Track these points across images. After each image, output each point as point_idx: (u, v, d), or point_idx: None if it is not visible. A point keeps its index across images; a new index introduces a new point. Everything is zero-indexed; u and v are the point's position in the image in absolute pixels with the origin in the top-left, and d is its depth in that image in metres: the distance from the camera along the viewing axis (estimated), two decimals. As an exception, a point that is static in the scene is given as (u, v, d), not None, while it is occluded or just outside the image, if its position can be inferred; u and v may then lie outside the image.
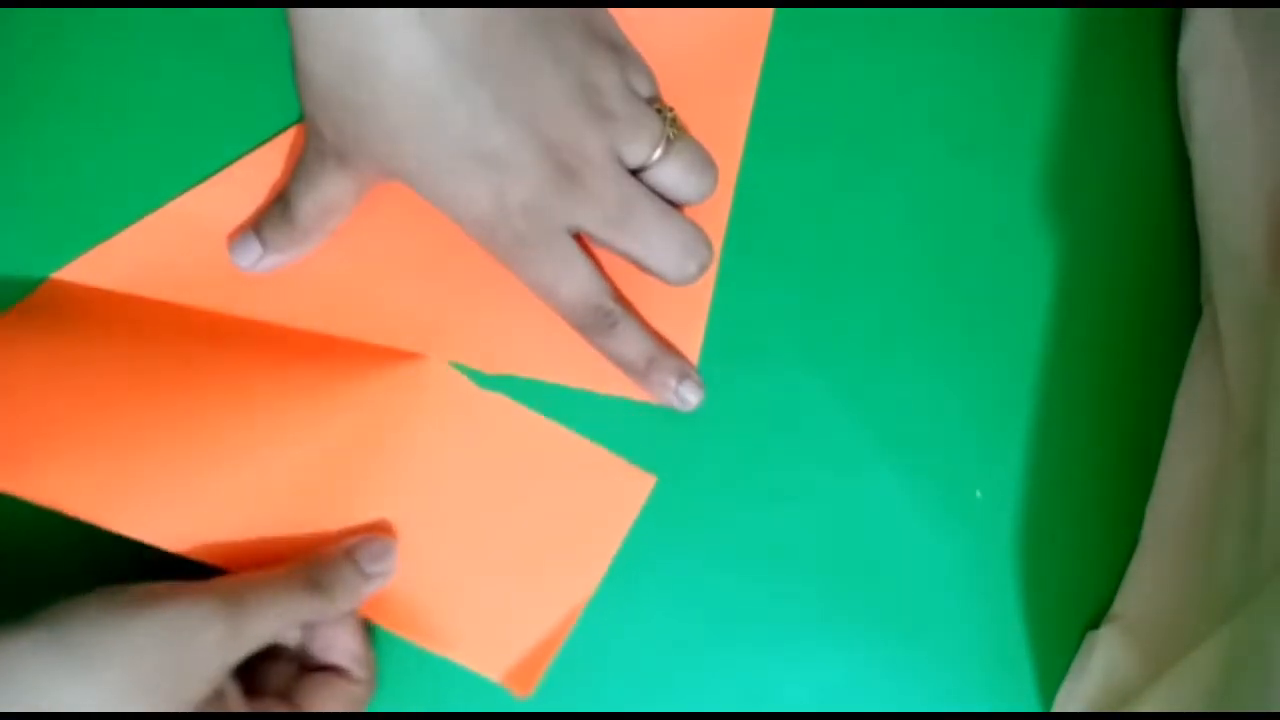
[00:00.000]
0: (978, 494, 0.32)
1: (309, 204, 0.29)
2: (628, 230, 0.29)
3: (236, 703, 0.25)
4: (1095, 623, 0.31)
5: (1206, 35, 0.32)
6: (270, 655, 0.27)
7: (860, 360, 0.32)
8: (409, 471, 0.30)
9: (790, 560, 0.31)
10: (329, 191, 0.29)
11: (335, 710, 0.27)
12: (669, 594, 0.31)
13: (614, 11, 0.30)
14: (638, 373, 0.30)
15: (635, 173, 0.29)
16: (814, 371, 0.32)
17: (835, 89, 0.32)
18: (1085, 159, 0.33)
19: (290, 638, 0.28)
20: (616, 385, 0.31)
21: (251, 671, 0.27)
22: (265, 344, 0.30)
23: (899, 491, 0.31)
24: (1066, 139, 0.33)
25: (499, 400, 0.31)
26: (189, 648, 0.24)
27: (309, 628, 0.28)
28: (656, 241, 0.29)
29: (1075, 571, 0.32)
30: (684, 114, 0.30)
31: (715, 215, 0.31)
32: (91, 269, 0.30)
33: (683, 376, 0.30)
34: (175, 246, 0.30)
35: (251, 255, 0.29)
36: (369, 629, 0.29)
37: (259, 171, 0.31)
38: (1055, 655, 0.31)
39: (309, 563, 0.27)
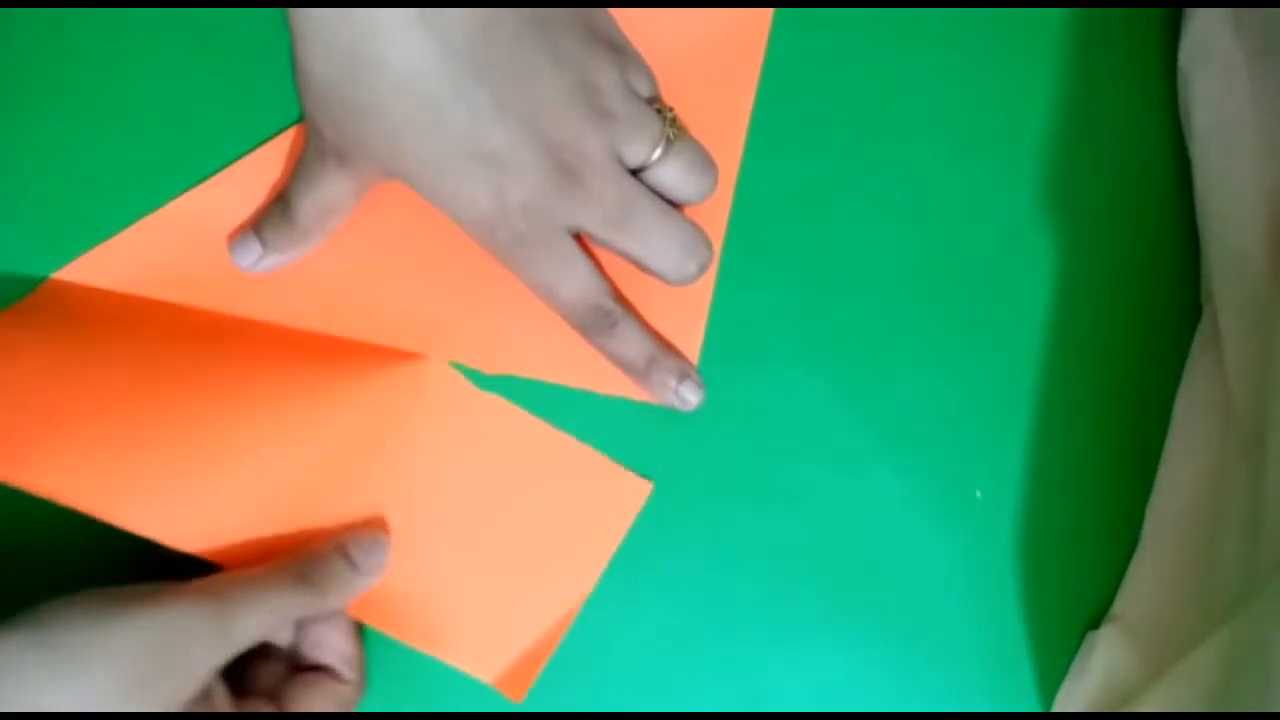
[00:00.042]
0: (978, 494, 0.32)
1: (309, 204, 0.29)
2: (628, 230, 0.29)
3: (224, 703, 0.25)
4: (1095, 623, 0.31)
5: (1206, 35, 0.32)
6: (260, 654, 0.27)
7: (860, 360, 0.32)
8: (407, 471, 0.30)
9: (790, 560, 0.31)
10: (329, 191, 0.29)
11: (323, 710, 0.27)
12: (669, 593, 0.31)
13: (614, 11, 0.30)
14: (638, 373, 0.30)
15: (635, 173, 0.29)
16: (814, 371, 0.32)
17: (835, 89, 0.32)
18: (1085, 159, 0.33)
19: (281, 637, 0.28)
20: (616, 385, 0.31)
21: (241, 670, 0.27)
22: (265, 344, 0.30)
23: (899, 491, 0.31)
24: (1066, 139, 0.33)
25: (497, 402, 0.31)
26: (177, 648, 0.24)
27: (301, 626, 0.28)
28: (656, 241, 0.29)
29: (1075, 571, 0.32)
30: (684, 114, 0.30)
31: (715, 215, 0.31)
32: (91, 269, 0.30)
33: (683, 376, 0.30)
34: (175, 246, 0.30)
35: (251, 255, 0.29)
36: (360, 630, 0.29)
37: (259, 171, 0.31)
38: (1055, 655, 0.31)
39: (298, 559, 0.27)
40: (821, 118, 0.32)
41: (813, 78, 0.32)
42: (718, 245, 0.31)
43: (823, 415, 0.31)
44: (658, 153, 0.29)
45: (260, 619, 0.25)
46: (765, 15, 0.32)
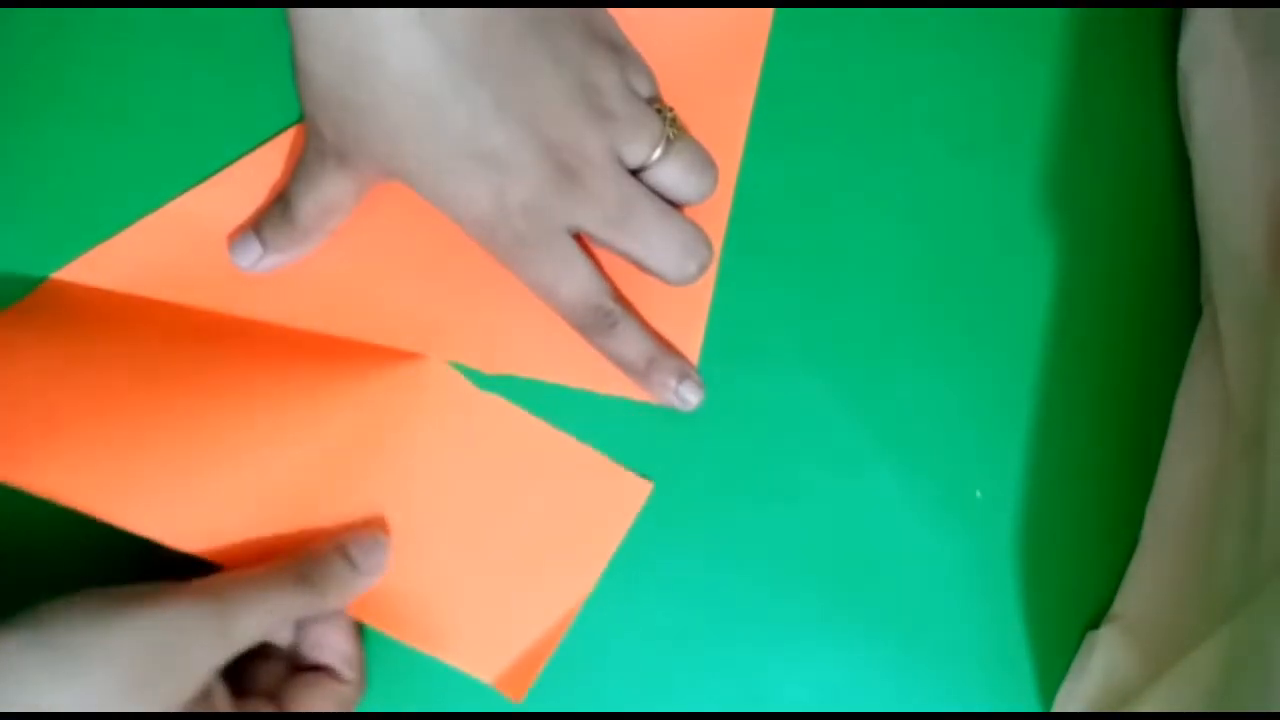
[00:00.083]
0: (978, 494, 0.32)
1: (309, 204, 0.29)
2: (628, 230, 0.29)
3: (224, 703, 0.25)
4: (1095, 623, 0.31)
5: (1206, 35, 0.32)
6: (260, 654, 0.27)
7: (860, 360, 0.32)
8: (407, 471, 0.30)
9: (790, 560, 0.31)
10: (329, 191, 0.29)
11: (322, 710, 0.27)
12: (669, 593, 0.31)
13: (614, 11, 0.30)
14: (638, 373, 0.30)
15: (635, 173, 0.29)
16: (814, 371, 0.32)
17: (835, 89, 0.32)
18: (1085, 159, 0.33)
19: (282, 637, 0.28)
20: (616, 385, 0.31)
21: (241, 670, 0.27)
22: (265, 344, 0.30)
23: (899, 491, 0.31)
24: (1066, 139, 0.33)
25: (497, 402, 0.31)
26: (177, 648, 0.24)
27: (301, 626, 0.28)
28: (656, 241, 0.29)
29: (1075, 571, 0.32)
30: (684, 114, 0.30)
31: (715, 215, 0.31)
32: (91, 269, 0.30)
33: (683, 376, 0.30)
34: (175, 246, 0.30)
35: (251, 255, 0.29)
36: (360, 630, 0.29)
37: (259, 171, 0.31)
38: (1055, 655, 0.31)
39: (298, 559, 0.27)
40: (821, 118, 0.32)
41: (813, 78, 0.32)
42: (718, 245, 0.31)
43: (823, 415, 0.31)
44: (658, 153, 0.29)
45: (260, 619, 0.25)
46: (765, 15, 0.32)
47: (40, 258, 0.30)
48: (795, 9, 0.32)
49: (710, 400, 0.31)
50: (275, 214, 0.29)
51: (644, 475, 0.31)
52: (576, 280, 0.29)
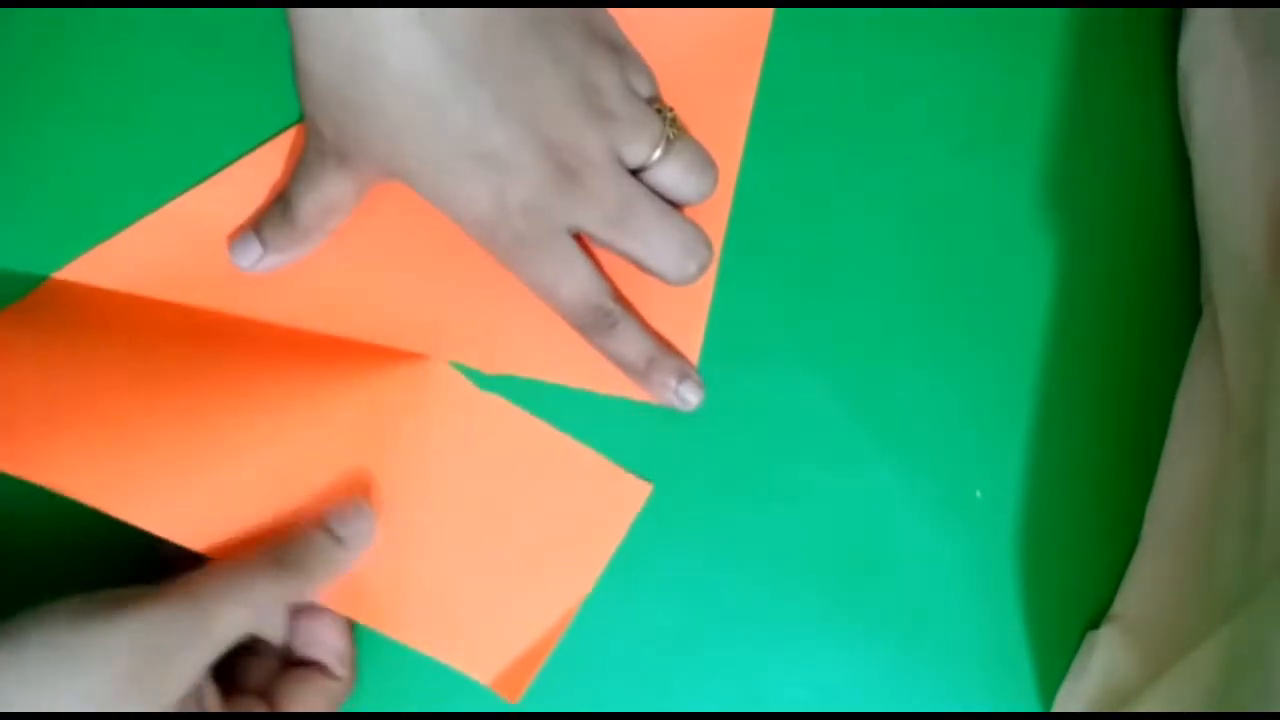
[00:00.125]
0: (978, 494, 0.32)
1: (309, 204, 0.29)
2: (628, 230, 0.29)
3: (214, 702, 0.25)
4: (1095, 623, 0.31)
5: (1206, 35, 0.32)
6: (251, 651, 0.27)
7: (860, 360, 0.32)
8: (406, 471, 0.30)
9: (790, 560, 0.31)
10: (329, 191, 0.29)
11: (313, 707, 0.27)
12: (668, 593, 0.31)
13: (614, 11, 0.30)
14: (638, 373, 0.30)
15: (635, 173, 0.29)
16: (814, 371, 0.32)
17: (835, 89, 0.32)
18: (1085, 159, 0.33)
19: (274, 633, 0.27)
20: (616, 385, 0.31)
21: (232, 667, 0.26)
22: (265, 344, 0.30)
23: (899, 491, 0.31)
24: (1066, 139, 0.33)
25: (497, 402, 0.31)
26: (160, 650, 0.23)
27: (293, 622, 0.28)
28: (656, 241, 0.29)
29: (1075, 571, 0.32)
30: (684, 114, 0.30)
31: (715, 215, 0.31)
32: (91, 269, 0.30)
33: (683, 376, 0.30)
34: (175, 246, 0.30)
35: (252, 255, 0.29)
36: (351, 626, 0.29)
37: (259, 171, 0.31)
38: (1055, 655, 0.31)
39: (275, 544, 0.27)
40: (821, 118, 0.32)
41: (813, 78, 0.32)
42: (718, 245, 0.31)
43: (823, 415, 0.31)
44: (658, 153, 0.29)
45: (240, 613, 0.25)
46: (765, 15, 0.32)
47: (40, 258, 0.30)
48: (795, 9, 0.32)
49: (710, 400, 0.31)
50: (275, 214, 0.29)
51: (644, 475, 0.31)
52: (576, 280, 0.29)
